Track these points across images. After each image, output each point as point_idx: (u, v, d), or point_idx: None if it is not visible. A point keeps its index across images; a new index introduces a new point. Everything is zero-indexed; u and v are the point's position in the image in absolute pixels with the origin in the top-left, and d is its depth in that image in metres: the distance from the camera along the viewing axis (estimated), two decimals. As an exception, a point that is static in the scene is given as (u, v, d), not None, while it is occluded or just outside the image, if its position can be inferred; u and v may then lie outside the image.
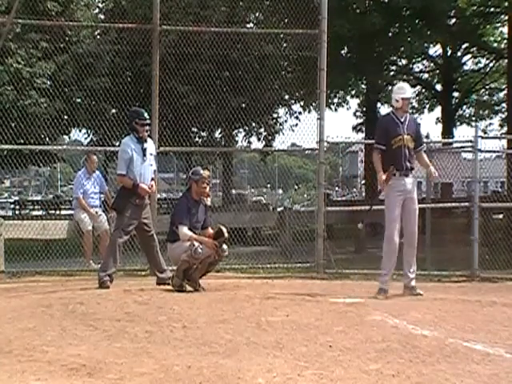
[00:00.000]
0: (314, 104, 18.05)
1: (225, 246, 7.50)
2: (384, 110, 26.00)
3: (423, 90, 26.38)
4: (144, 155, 7.87)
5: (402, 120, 7.35)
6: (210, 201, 8.13)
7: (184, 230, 7.34)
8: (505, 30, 19.39)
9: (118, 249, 7.77)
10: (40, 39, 16.57)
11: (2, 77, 16.58)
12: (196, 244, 7.22)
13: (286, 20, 14.17)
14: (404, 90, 7.45)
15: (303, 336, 4.94)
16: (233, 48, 11.58)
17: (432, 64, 25.15)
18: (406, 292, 7.30)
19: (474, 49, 22.97)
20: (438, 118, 26.02)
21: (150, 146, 8.09)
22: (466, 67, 25.20)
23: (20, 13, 11.30)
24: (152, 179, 8.09)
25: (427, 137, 22.44)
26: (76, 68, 16.40)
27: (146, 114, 8.01)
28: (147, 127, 7.99)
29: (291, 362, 4.26)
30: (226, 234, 7.44)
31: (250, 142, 21.07)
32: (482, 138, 10.37)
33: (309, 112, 21.23)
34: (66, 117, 17.60)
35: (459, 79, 24.75)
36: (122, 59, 16.73)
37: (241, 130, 20.90)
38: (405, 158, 7.26)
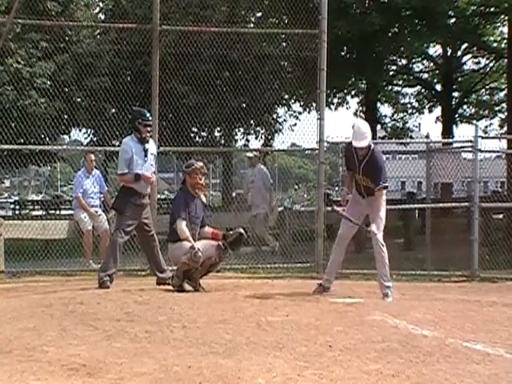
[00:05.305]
0: (314, 104, 18.08)
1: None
2: (384, 109, 26.06)
3: (423, 90, 26.36)
4: (145, 156, 7.85)
5: (361, 158, 6.99)
6: (206, 199, 8.08)
7: (182, 226, 7.26)
8: (505, 29, 19.39)
9: (118, 249, 7.76)
10: (40, 39, 16.60)
11: (2, 77, 16.61)
12: (196, 247, 7.16)
13: (286, 20, 14.18)
14: (358, 140, 6.88)
15: (303, 336, 4.94)
16: (233, 48, 11.56)
17: (432, 64, 25.13)
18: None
19: (474, 49, 22.96)
20: (437, 117, 26.03)
21: (152, 146, 8.06)
22: (466, 67, 25.21)
23: (20, 13, 11.30)
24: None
25: (427, 137, 22.42)
26: (76, 68, 16.44)
27: (148, 115, 8.00)
28: (149, 128, 7.97)
29: (291, 362, 4.26)
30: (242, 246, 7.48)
31: (247, 140, 21.12)
32: (482, 137, 10.36)
33: (309, 112, 21.27)
34: (66, 117, 17.63)
35: (459, 79, 24.73)
36: (122, 59, 16.72)
37: (241, 129, 20.90)
38: (361, 189, 7.16)
